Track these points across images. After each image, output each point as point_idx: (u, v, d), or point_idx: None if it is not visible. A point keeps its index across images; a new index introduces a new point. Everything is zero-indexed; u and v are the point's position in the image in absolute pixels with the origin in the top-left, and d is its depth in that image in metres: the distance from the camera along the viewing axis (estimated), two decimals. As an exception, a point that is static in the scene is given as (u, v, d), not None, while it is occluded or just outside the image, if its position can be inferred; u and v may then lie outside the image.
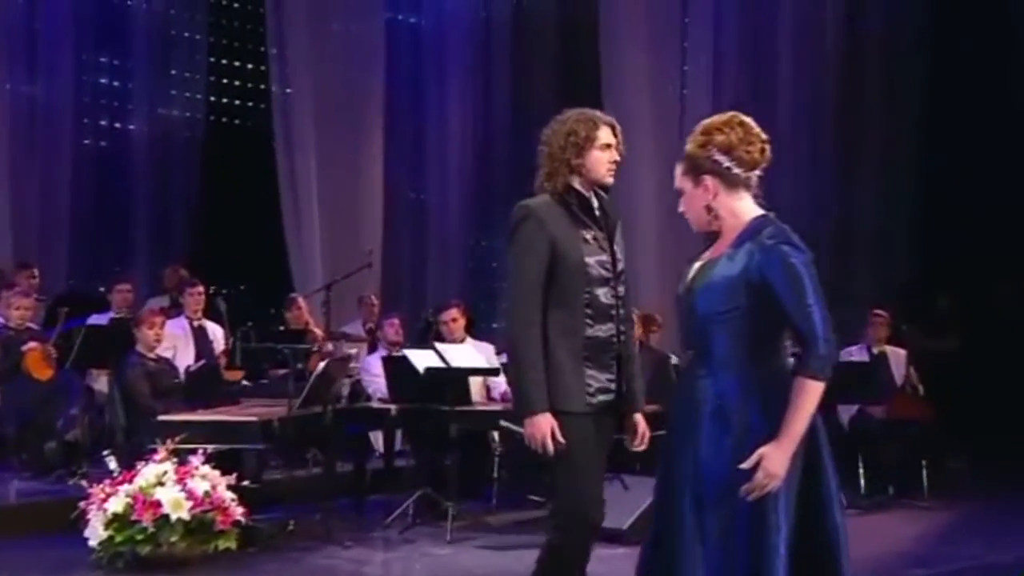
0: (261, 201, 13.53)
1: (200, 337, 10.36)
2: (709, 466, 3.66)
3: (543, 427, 4.41)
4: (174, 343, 10.12)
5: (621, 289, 4.62)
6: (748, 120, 3.83)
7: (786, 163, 13.31)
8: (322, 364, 8.20)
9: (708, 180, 3.80)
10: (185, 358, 10.12)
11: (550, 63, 13.86)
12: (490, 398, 9.48)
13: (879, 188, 13.78)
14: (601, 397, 4.54)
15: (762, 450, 3.56)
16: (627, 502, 8.20)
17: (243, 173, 13.99)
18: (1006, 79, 13.14)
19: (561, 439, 4.42)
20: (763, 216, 3.78)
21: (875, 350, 10.88)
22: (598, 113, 4.70)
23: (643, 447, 4.70)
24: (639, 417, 4.69)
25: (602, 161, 4.62)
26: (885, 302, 12.93)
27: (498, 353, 9.37)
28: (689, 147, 3.84)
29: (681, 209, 3.93)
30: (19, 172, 12.86)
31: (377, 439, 9.93)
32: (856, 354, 10.77)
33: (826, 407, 9.72)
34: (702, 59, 13.03)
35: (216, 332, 10.55)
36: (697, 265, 3.85)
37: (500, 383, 9.35)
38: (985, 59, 13.12)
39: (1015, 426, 11.58)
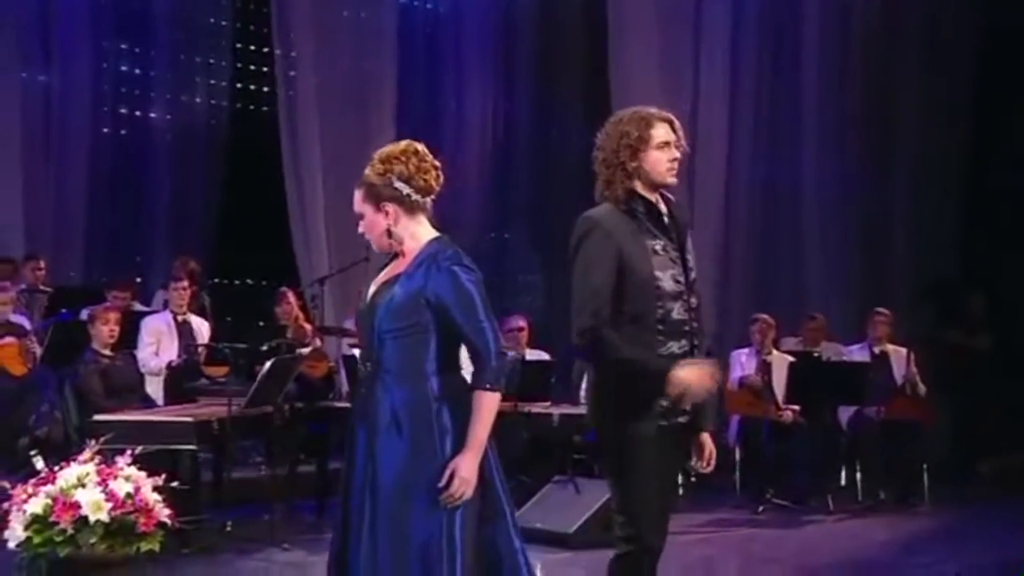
0: (280, 191, 13.62)
1: (184, 332, 10.48)
2: (387, 469, 3.98)
3: (694, 372, 4.27)
4: (158, 337, 10.27)
5: (694, 301, 4.46)
6: (422, 149, 4.20)
7: (811, 153, 13.15)
8: (268, 364, 8.24)
9: (389, 206, 4.14)
10: (168, 353, 10.25)
11: (573, 51, 13.74)
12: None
13: (916, 179, 13.53)
14: (675, 417, 4.39)
15: (453, 462, 3.93)
16: (577, 506, 8.23)
17: (267, 162, 14.11)
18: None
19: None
20: (439, 239, 4.16)
21: (877, 349, 11.01)
22: (652, 110, 4.53)
23: (710, 468, 4.65)
24: (706, 437, 4.60)
25: (661, 161, 4.43)
26: (920, 300, 12.83)
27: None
28: (369, 175, 4.15)
29: (361, 231, 4.20)
30: (32, 163, 13.08)
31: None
32: (857, 354, 10.86)
33: (825, 410, 9.82)
34: (718, 50, 12.85)
35: (202, 327, 10.66)
36: (377, 283, 4.16)
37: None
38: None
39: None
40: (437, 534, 3.91)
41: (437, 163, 4.22)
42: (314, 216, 12.78)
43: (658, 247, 4.40)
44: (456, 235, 13.02)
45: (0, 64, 12.85)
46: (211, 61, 14.74)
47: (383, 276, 4.17)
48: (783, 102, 13.27)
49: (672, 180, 4.46)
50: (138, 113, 14.44)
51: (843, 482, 10.69)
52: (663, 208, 4.48)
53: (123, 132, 14.32)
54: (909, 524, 9.86)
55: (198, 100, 14.68)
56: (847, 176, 13.33)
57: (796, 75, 13.28)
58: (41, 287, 11.95)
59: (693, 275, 4.49)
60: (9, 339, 10.03)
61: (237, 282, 14.40)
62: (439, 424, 3.99)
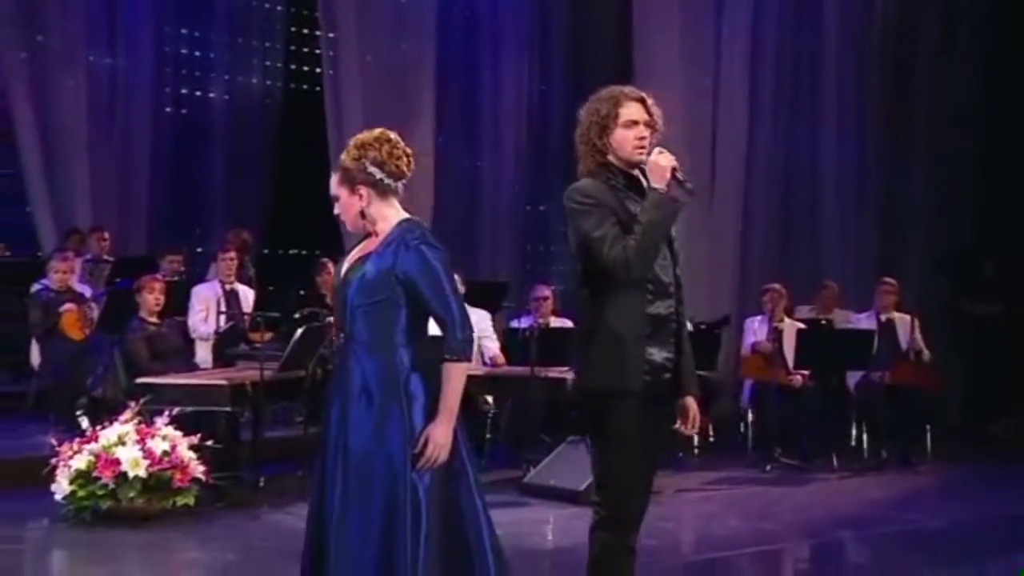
0: (328, 167, 13.81)
1: (231, 300, 10.72)
2: (357, 436, 4.07)
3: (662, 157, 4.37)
4: (207, 305, 10.54)
5: (678, 269, 4.50)
6: (395, 136, 4.24)
7: (830, 127, 13.12)
8: (299, 331, 8.45)
9: (363, 189, 4.20)
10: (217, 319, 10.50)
11: (604, 32, 13.76)
12: (483, 363, 9.66)
13: (932, 153, 13.45)
14: (660, 375, 4.39)
15: (428, 429, 4.05)
16: (588, 465, 8.31)
17: (316, 139, 14.29)
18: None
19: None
20: (408, 220, 4.22)
21: (883, 317, 11.02)
22: (626, 89, 4.51)
23: (695, 430, 4.68)
24: (690, 400, 4.56)
25: (628, 139, 4.39)
26: (934, 269, 12.85)
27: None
28: (344, 160, 4.22)
29: (337, 212, 4.27)
30: (98, 140, 13.34)
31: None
32: (864, 321, 10.90)
33: (833, 374, 9.91)
34: (739, 29, 12.82)
35: (248, 295, 10.90)
36: (350, 260, 4.24)
37: (491, 347, 9.53)
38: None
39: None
40: (403, 495, 4.00)
41: (408, 150, 4.26)
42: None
43: (640, 212, 4.37)
44: (495, 207, 13.13)
45: (69, 48, 13.12)
46: (266, 44, 15.04)
47: (356, 253, 4.25)
48: (802, 78, 13.20)
49: (639, 158, 4.41)
50: (197, 93, 14.73)
51: (852, 443, 10.71)
52: (644, 182, 4.45)
53: (183, 111, 14.62)
54: (908, 482, 9.93)
55: (254, 81, 15.00)
56: (864, 150, 13.27)
57: (815, 51, 13.19)
58: (105, 257, 12.26)
59: (676, 245, 4.51)
60: (70, 306, 10.33)
61: (291, 252, 14.63)
62: (407, 391, 4.07)
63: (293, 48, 15.12)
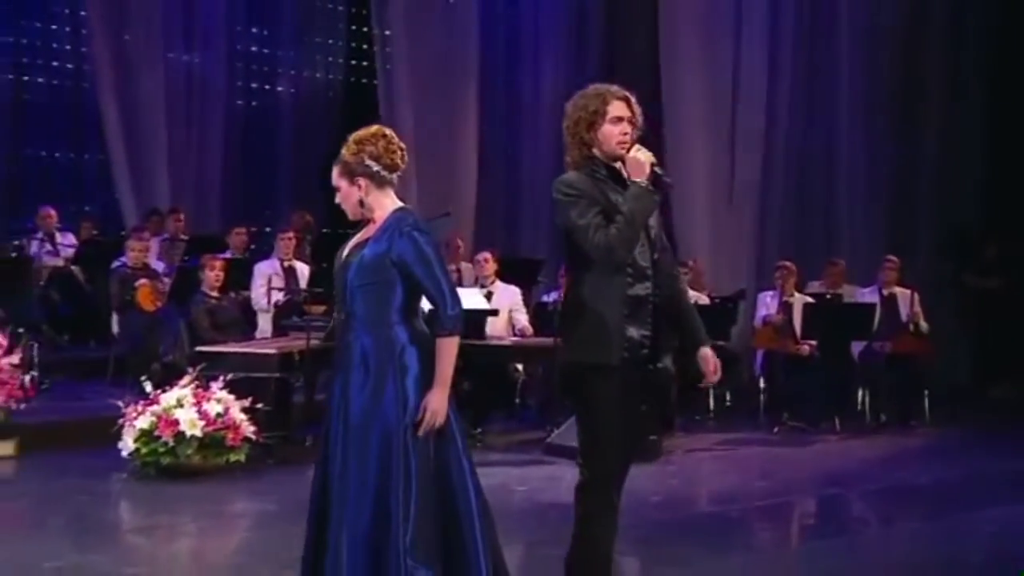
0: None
1: (289, 276, 10.91)
2: (355, 403, 4.18)
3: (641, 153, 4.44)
4: (266, 280, 10.71)
5: (655, 254, 4.54)
6: (390, 133, 4.34)
7: (843, 116, 13.04)
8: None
9: (361, 181, 4.28)
10: (276, 294, 10.68)
11: (639, 33, 13.72)
12: (514, 334, 9.76)
13: (940, 140, 13.32)
14: (637, 351, 4.44)
15: (426, 398, 4.14)
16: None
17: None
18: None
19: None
20: (402, 208, 4.30)
21: (885, 292, 11.03)
22: (612, 87, 4.53)
23: (717, 378, 4.64)
24: (707, 351, 4.59)
25: (613, 134, 4.44)
26: (941, 248, 12.81)
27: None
28: (344, 155, 4.29)
29: (337, 201, 4.36)
30: (176, 131, 13.65)
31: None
32: (868, 296, 10.93)
33: (838, 344, 9.93)
34: (757, 23, 12.76)
35: (304, 271, 11.07)
36: (351, 245, 4.34)
37: (520, 319, 9.65)
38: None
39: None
40: (397, 453, 4.10)
41: (403, 145, 4.33)
42: (407, 173, 13.06)
43: (621, 202, 4.42)
44: (533, 192, 13.16)
45: (149, 47, 13.40)
46: (328, 42, 15.26)
47: (356, 239, 4.33)
48: (818, 69, 13.09)
49: (622, 151, 4.45)
50: (266, 87, 15.01)
51: (858, 408, 10.72)
52: (624, 173, 4.49)
53: (253, 104, 14.90)
54: (903, 443, 9.95)
55: (317, 75, 15.24)
56: (876, 137, 13.16)
57: (831, 42, 13.06)
58: (181, 236, 12.50)
59: (654, 231, 4.55)
60: (144, 280, 10.54)
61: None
62: (401, 364, 4.15)
63: (353, 45, 15.30)
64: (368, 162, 4.25)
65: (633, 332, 4.44)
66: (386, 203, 4.30)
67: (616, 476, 4.57)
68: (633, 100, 4.56)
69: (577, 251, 4.46)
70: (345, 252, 4.36)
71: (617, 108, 4.47)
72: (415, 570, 4.07)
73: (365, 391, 4.17)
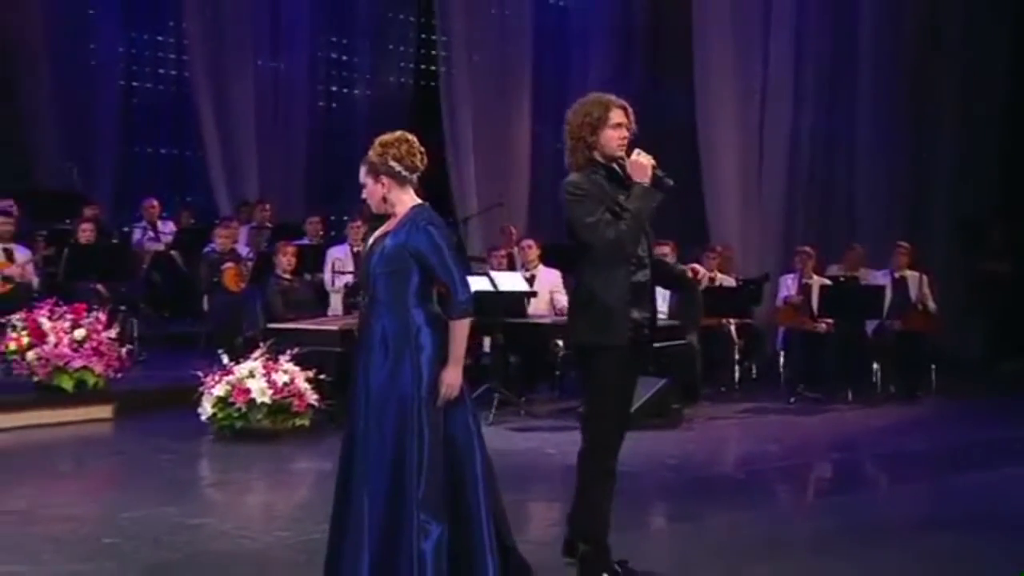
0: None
1: (357, 260, 11.08)
2: (375, 379, 4.29)
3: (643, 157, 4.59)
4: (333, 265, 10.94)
5: (651, 246, 4.75)
6: (412, 137, 4.41)
7: (865, 108, 12.92)
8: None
9: (385, 179, 4.37)
10: (346, 276, 10.90)
11: (678, 36, 13.70)
12: (555, 313, 9.87)
13: (956, 129, 13.14)
14: (639, 331, 4.63)
15: (442, 374, 4.25)
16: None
17: (440, 126, 14.60)
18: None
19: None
20: (420, 205, 4.37)
21: (897, 275, 11.01)
22: (611, 97, 4.67)
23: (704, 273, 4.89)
24: (683, 267, 4.91)
25: (613, 138, 4.58)
26: (953, 232, 12.68)
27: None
28: (371, 156, 4.40)
29: (364, 196, 4.46)
30: (264, 130, 13.97)
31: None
32: (881, 278, 10.91)
33: (853, 322, 9.93)
34: (785, 19, 12.64)
35: (370, 257, 11.23)
36: (375, 236, 4.45)
37: (560, 300, 9.77)
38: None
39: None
40: (412, 421, 4.23)
41: (423, 149, 4.41)
42: (467, 166, 13.27)
43: (622, 199, 4.59)
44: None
45: (238, 54, 13.72)
46: (400, 48, 15.44)
47: (379, 232, 4.42)
48: (842, 61, 12.96)
49: (620, 153, 4.62)
50: (345, 90, 15.24)
51: (873, 380, 10.68)
52: (621, 172, 4.65)
53: (333, 105, 15.16)
54: (907, 413, 9.91)
55: (390, 80, 15.42)
56: (896, 126, 13.03)
57: (853, 35, 12.92)
58: (267, 224, 12.77)
59: (648, 227, 4.67)
60: (229, 264, 10.82)
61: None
62: (417, 343, 4.24)
63: (422, 52, 15.47)
64: (391, 163, 4.33)
65: (636, 315, 4.62)
66: (406, 199, 4.37)
67: (615, 444, 4.72)
68: (629, 109, 4.69)
69: (582, 245, 4.61)
70: (370, 243, 4.48)
71: (617, 115, 4.61)
72: (427, 523, 4.20)
73: (384, 368, 4.27)
